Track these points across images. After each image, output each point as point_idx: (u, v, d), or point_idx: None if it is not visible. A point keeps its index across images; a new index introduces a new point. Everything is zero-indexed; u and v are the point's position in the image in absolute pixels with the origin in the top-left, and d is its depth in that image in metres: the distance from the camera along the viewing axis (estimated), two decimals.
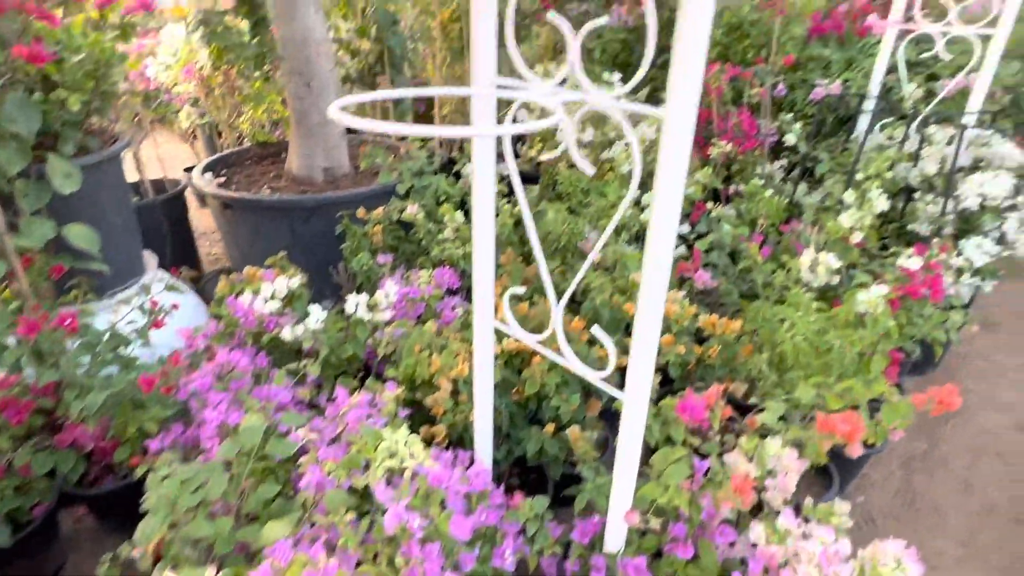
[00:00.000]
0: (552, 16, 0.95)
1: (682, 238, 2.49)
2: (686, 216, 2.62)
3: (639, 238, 2.41)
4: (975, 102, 2.51)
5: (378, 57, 3.06)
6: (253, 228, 2.57)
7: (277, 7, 2.41)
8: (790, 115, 2.84)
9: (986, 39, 2.48)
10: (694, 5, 0.75)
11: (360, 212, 2.33)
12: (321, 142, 2.73)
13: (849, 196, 2.18)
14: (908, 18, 2.67)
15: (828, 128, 2.96)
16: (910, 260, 1.82)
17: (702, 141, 2.99)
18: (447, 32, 3.33)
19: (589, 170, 0.98)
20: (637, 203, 2.50)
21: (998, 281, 2.37)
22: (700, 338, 1.93)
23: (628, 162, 2.62)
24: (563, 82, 1.02)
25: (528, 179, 3.11)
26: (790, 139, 2.65)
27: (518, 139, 3.37)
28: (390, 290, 1.80)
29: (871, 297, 1.64)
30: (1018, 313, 3.24)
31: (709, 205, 2.64)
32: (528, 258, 2.25)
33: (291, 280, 1.81)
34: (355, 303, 1.78)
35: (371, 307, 1.79)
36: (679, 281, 2.20)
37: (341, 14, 3.13)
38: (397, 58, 3.03)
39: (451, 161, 3.04)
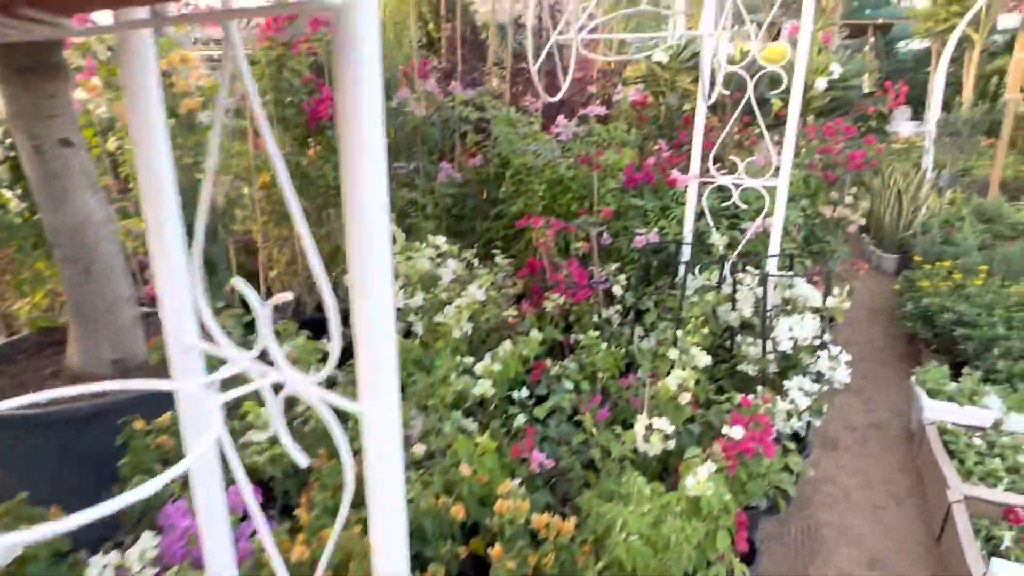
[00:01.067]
0: (236, 281, 0.78)
1: (522, 405, 2.35)
2: (527, 372, 2.51)
3: (471, 413, 2.24)
4: (774, 244, 2.70)
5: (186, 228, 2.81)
6: (7, 447, 2.09)
7: (40, 195, 2.12)
8: (617, 263, 2.91)
9: (772, 189, 2.72)
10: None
11: (139, 423, 1.96)
12: (108, 331, 2.36)
13: (674, 353, 2.18)
14: (704, 171, 2.90)
15: (654, 272, 3.07)
16: (733, 430, 1.78)
17: (538, 291, 2.97)
18: (270, 195, 3.17)
19: (302, 461, 0.78)
20: (468, 371, 2.35)
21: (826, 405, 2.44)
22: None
23: (461, 326, 2.50)
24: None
25: None
26: (617, 290, 2.68)
27: None
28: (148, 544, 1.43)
29: (701, 479, 1.54)
30: (850, 426, 3.40)
31: (548, 362, 2.56)
32: None
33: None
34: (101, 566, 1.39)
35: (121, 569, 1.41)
36: (519, 462, 2.02)
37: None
38: (209, 228, 2.80)
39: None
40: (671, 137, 4.05)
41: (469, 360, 2.38)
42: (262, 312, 0.79)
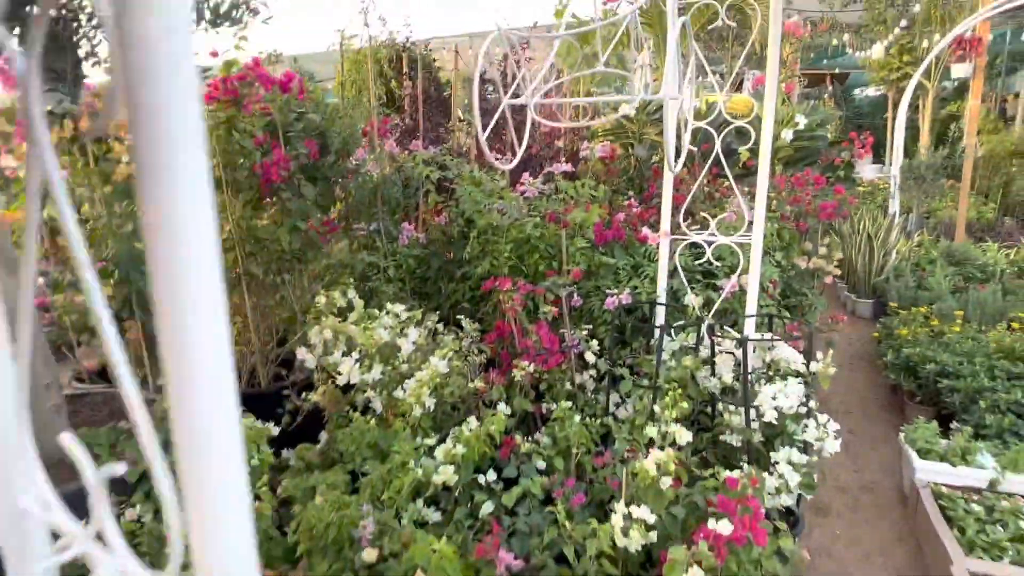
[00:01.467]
0: (65, 439, 0.60)
1: (489, 490, 2.14)
2: (497, 447, 2.31)
3: (434, 500, 2.02)
4: (751, 304, 2.57)
5: (124, 300, 2.59)
6: None
7: None
8: (589, 325, 2.76)
9: (746, 246, 2.62)
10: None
11: None
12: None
13: (652, 430, 2.01)
14: (676, 228, 2.79)
15: (629, 333, 2.92)
16: (720, 524, 1.60)
17: (507, 358, 2.79)
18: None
19: None
20: (430, 452, 2.14)
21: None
22: None
23: (423, 402, 2.30)
24: None
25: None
26: (590, 357, 2.52)
27: None
28: None
29: None
30: (840, 487, 3.23)
31: (518, 438, 2.36)
32: None
33: None
34: None
35: None
36: (485, 563, 1.80)
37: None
38: (150, 299, 2.60)
39: None
40: (641, 190, 3.98)
41: (431, 441, 2.18)
42: (95, 482, 0.61)
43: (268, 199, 2.96)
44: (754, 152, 4.83)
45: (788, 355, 2.38)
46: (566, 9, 5.63)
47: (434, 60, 3.99)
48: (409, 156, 3.24)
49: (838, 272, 3.61)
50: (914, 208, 6.43)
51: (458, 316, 3.16)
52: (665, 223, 2.77)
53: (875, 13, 12.11)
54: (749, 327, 2.48)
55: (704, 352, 2.57)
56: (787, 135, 4.14)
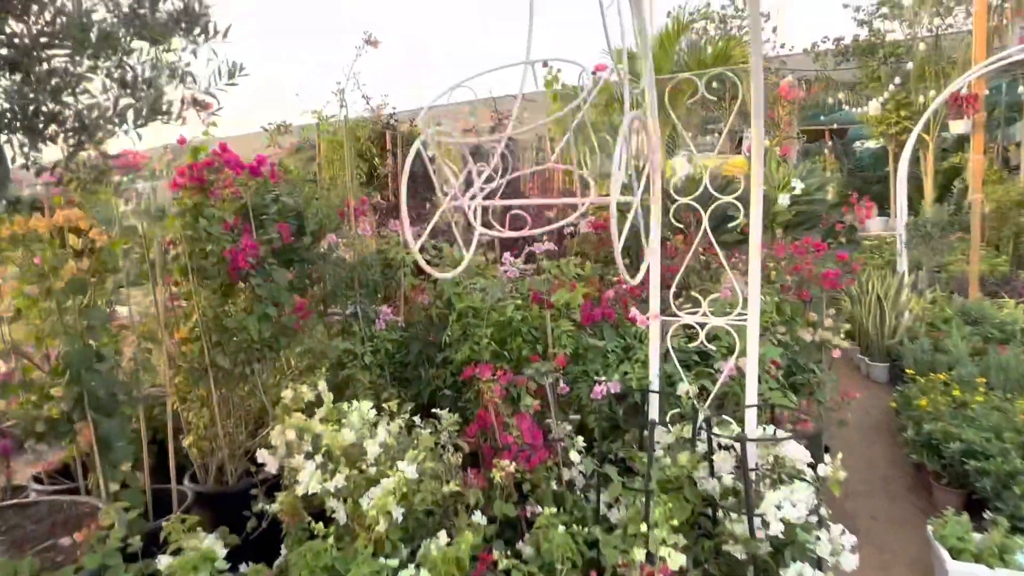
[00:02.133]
0: None
1: None
2: (473, 560, 2.06)
3: None
4: (750, 392, 2.36)
5: (76, 401, 2.43)
6: None
7: None
8: (577, 415, 2.55)
9: (742, 328, 2.42)
10: None
11: None
12: None
13: (641, 554, 1.76)
14: (666, 308, 2.61)
15: (621, 419, 2.70)
16: None
17: (489, 453, 2.57)
18: (186, 353, 2.83)
19: None
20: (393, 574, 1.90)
21: None
22: None
23: (389, 514, 2.07)
24: None
25: None
26: (574, 456, 2.30)
27: None
28: None
29: None
30: None
31: (496, 554, 2.12)
32: None
33: None
34: None
35: None
36: None
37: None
38: (104, 400, 2.43)
39: None
40: (631, 264, 3.83)
41: (394, 563, 1.94)
42: None
43: (236, 286, 2.83)
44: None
45: (794, 452, 2.15)
46: (556, 79, 5.66)
47: (420, 135, 3.94)
48: (383, 238, 3.11)
49: (846, 344, 3.39)
50: (923, 265, 6.22)
51: (439, 404, 2.96)
52: (654, 304, 2.59)
53: (869, 71, 12.27)
54: (750, 421, 2.25)
55: (702, 446, 2.34)
56: (784, 200, 4.01)
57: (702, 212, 2.48)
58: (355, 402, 2.32)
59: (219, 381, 2.88)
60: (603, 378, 2.58)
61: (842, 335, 3.38)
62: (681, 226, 3.72)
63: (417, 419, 2.68)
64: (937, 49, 11.14)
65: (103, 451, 2.54)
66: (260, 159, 2.81)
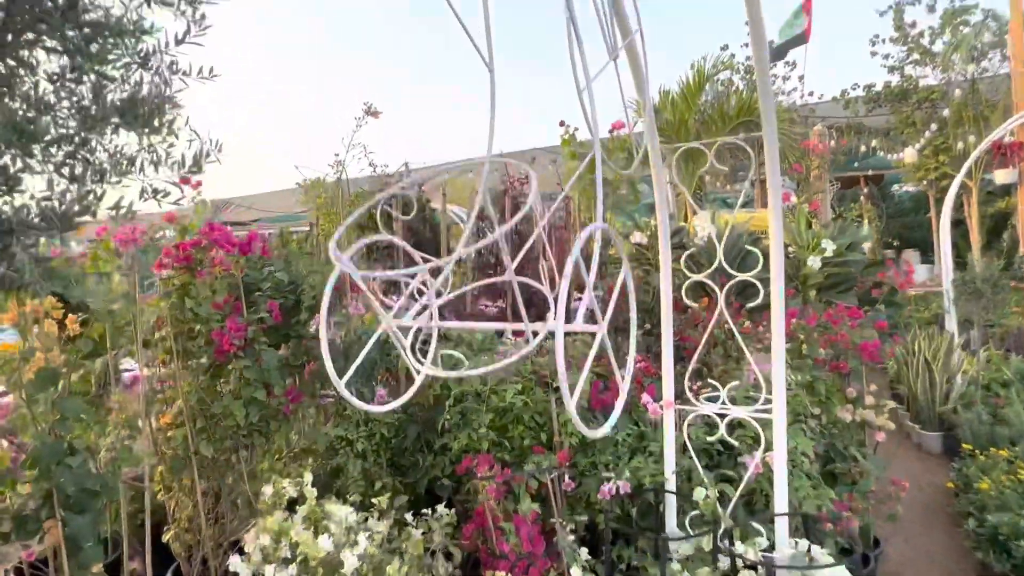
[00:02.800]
0: None
1: None
2: None
3: None
4: (779, 500, 2.06)
5: (44, 497, 2.27)
6: None
7: None
8: (585, 515, 2.27)
9: (766, 423, 2.15)
10: None
11: None
12: None
13: None
14: (679, 396, 2.36)
15: (634, 520, 2.41)
16: None
17: (488, 559, 2.31)
18: (171, 439, 2.67)
19: None
20: None
21: None
22: None
23: None
24: None
25: None
26: (576, 572, 2.02)
27: None
28: None
29: None
30: None
31: None
32: None
33: None
34: None
35: None
36: None
37: None
38: (75, 497, 2.28)
39: None
40: (651, 332, 3.58)
41: None
42: None
43: (223, 368, 2.68)
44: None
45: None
46: (574, 138, 5.55)
47: (428, 201, 3.83)
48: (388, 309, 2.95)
49: (891, 425, 3.04)
50: (975, 322, 5.77)
51: (438, 493, 2.72)
52: (668, 390, 2.34)
53: (902, 117, 11.96)
54: (780, 533, 1.95)
55: (726, 559, 2.04)
56: (814, 263, 3.73)
57: (717, 291, 2.25)
58: (335, 505, 2.10)
59: (204, 469, 2.71)
60: (611, 475, 2.31)
61: (886, 414, 3.03)
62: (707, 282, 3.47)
63: (410, 516, 2.45)
64: (974, 93, 10.80)
65: (71, 551, 2.36)
66: (252, 236, 2.71)
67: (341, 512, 2.13)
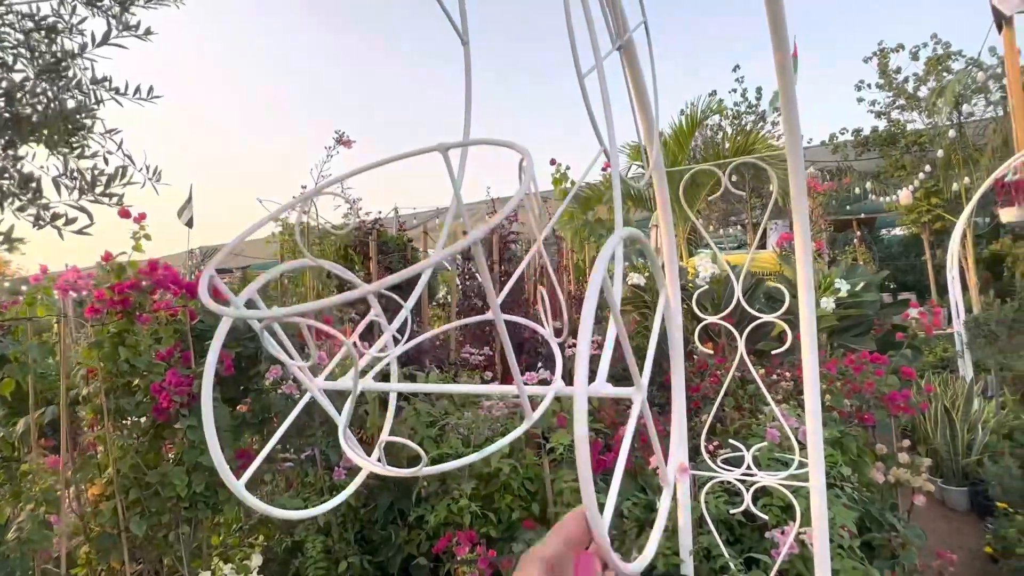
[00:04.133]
0: None
1: None
2: None
3: None
4: None
5: None
6: None
7: None
8: None
9: (799, 491, 1.79)
10: None
11: None
12: None
13: None
14: (693, 457, 2.00)
15: None
16: None
17: None
18: (101, 513, 2.27)
19: None
20: None
21: None
22: None
23: None
24: None
25: None
26: None
27: None
28: None
29: None
30: None
31: None
32: None
33: None
34: None
35: None
36: None
37: None
38: None
39: None
40: (652, 381, 3.24)
41: None
42: None
43: (164, 430, 2.31)
44: (791, 324, 4.11)
45: None
46: (565, 177, 5.33)
47: (409, 240, 3.55)
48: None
49: (931, 487, 2.68)
50: (992, 369, 5.46)
51: (413, 575, 2.32)
52: (680, 451, 1.99)
53: (892, 160, 11.97)
54: None
55: None
56: (828, 304, 3.43)
57: (738, 336, 1.93)
58: None
59: (137, 550, 2.30)
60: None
61: (924, 473, 2.68)
62: (722, 323, 3.15)
63: None
64: (962, 137, 10.84)
65: None
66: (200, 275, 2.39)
67: None
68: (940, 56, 11.36)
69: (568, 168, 5.34)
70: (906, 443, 2.80)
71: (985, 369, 5.74)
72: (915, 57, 11.74)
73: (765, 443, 2.06)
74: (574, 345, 2.89)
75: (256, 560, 2.05)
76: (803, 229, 1.78)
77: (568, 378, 2.92)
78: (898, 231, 16.50)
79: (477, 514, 2.15)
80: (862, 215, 14.86)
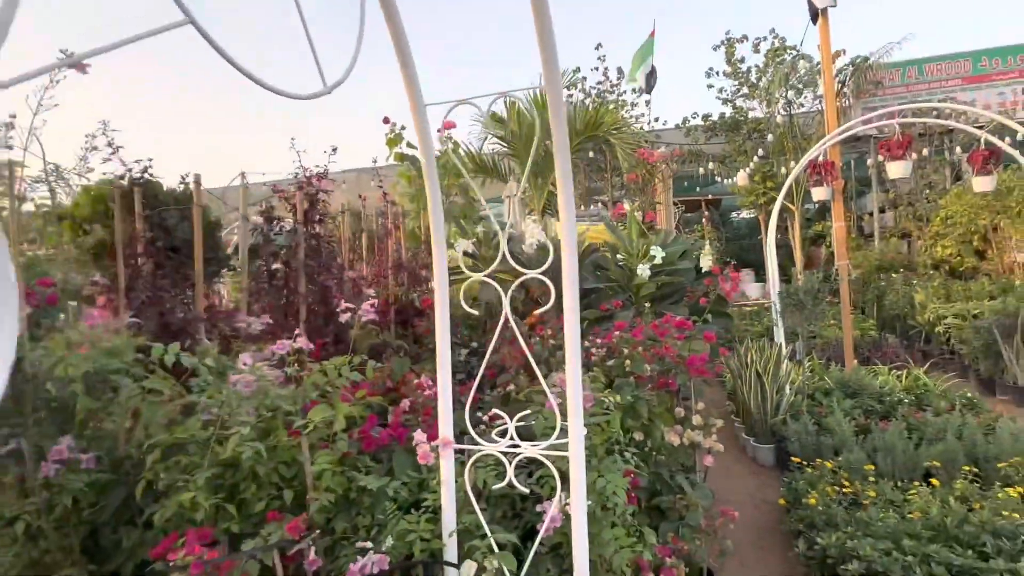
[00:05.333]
0: None
1: None
2: None
3: None
4: (579, 560, 1.57)
5: None
6: None
7: None
8: None
9: (562, 459, 1.66)
10: None
11: None
12: None
13: None
14: (461, 434, 1.82)
15: None
16: None
17: None
18: None
19: None
20: None
21: None
22: None
23: None
24: None
25: None
26: None
27: None
28: None
29: None
30: None
31: None
32: None
33: None
34: None
35: None
36: None
37: None
38: None
39: None
40: (476, 351, 3.05)
41: None
42: None
43: None
44: (617, 290, 4.14)
45: None
46: (400, 139, 4.99)
47: (191, 197, 3.06)
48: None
49: (720, 447, 2.74)
50: (799, 333, 5.96)
51: None
52: (445, 425, 1.79)
53: (735, 145, 12.86)
54: None
55: None
56: (643, 271, 3.43)
57: (502, 293, 1.75)
58: None
59: None
60: (367, 545, 1.70)
61: (714, 435, 2.73)
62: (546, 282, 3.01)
63: None
64: (792, 126, 11.86)
65: None
66: None
67: None
68: (776, 49, 12.29)
69: (404, 128, 5.01)
70: (700, 405, 2.84)
71: (795, 335, 6.27)
72: (756, 49, 12.60)
73: (528, 411, 1.92)
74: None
75: None
76: (564, 171, 1.61)
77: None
78: (745, 214, 17.96)
79: (218, 506, 1.83)
80: (710, 196, 15.92)
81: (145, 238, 2.87)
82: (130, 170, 2.88)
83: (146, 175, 2.91)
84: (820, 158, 6.03)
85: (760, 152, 11.25)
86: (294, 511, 1.84)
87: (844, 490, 3.54)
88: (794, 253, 12.36)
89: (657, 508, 2.48)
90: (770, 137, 10.96)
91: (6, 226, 2.29)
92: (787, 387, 5.37)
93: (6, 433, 2.03)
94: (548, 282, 1.66)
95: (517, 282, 1.79)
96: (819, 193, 6.05)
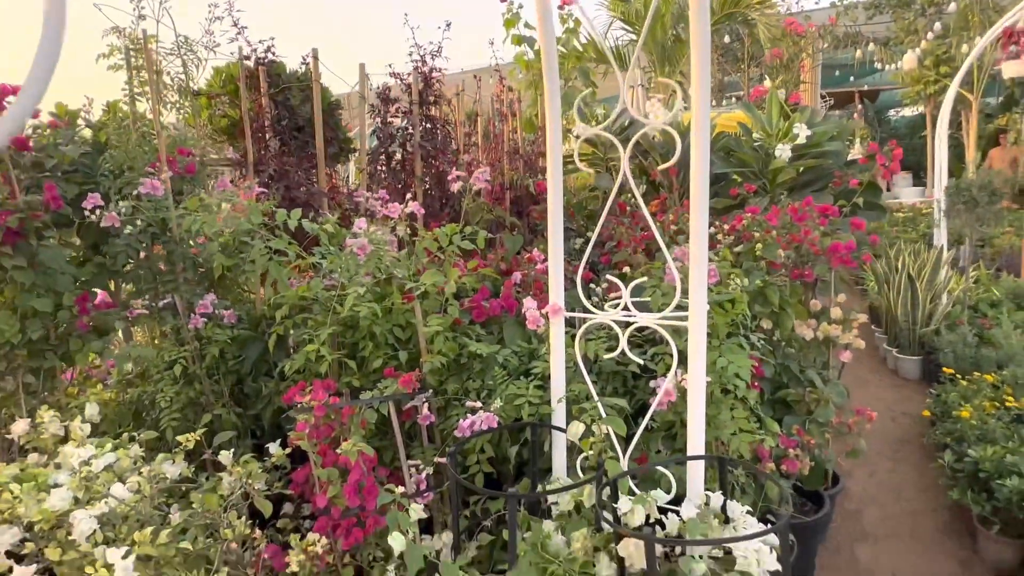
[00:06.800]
0: None
1: None
2: None
3: None
4: (694, 437, 1.48)
5: None
6: None
7: None
8: (448, 455, 1.70)
9: (682, 330, 1.54)
10: None
11: None
12: None
13: None
14: (574, 301, 1.74)
15: (512, 463, 1.84)
16: None
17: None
18: None
19: None
20: None
21: None
22: None
23: None
24: None
25: None
26: (395, 539, 1.45)
27: None
28: None
29: None
30: None
31: None
32: None
33: None
34: None
35: None
36: None
37: None
38: None
39: None
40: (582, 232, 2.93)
41: None
42: None
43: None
44: (750, 176, 3.74)
45: (755, 555, 1.26)
46: (518, 18, 4.71)
47: (289, 71, 3.09)
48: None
49: (861, 344, 2.47)
50: (966, 238, 5.18)
51: (285, 428, 2.14)
52: (555, 292, 1.71)
53: (904, 24, 10.94)
54: (691, 484, 1.38)
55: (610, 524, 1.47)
56: (782, 152, 3.06)
57: (621, 151, 1.59)
58: (68, 447, 1.51)
59: None
60: (477, 405, 1.72)
61: (855, 329, 2.46)
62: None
63: (228, 456, 1.86)
64: None
65: None
66: (5, 89, 1.99)
67: (75, 455, 1.53)
68: None
69: (521, 7, 4.71)
70: (841, 297, 2.55)
71: (959, 240, 5.47)
72: None
73: (644, 278, 1.78)
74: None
75: (91, 409, 1.84)
76: (702, 30, 1.37)
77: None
78: (907, 111, 15.63)
79: (340, 361, 1.92)
80: (865, 87, 13.93)
81: (271, 116, 2.96)
82: (255, 50, 2.94)
83: (269, 54, 2.96)
84: (1020, 23, 4.94)
85: (936, 27, 9.49)
86: (409, 372, 1.90)
87: (1007, 404, 3.12)
88: (966, 152, 10.62)
89: (783, 401, 2.30)
90: (952, 6, 9.14)
91: (148, 97, 2.42)
92: (944, 295, 4.75)
93: (163, 290, 2.25)
94: (672, 131, 1.47)
95: (633, 139, 1.60)
96: (1012, 68, 5.01)
